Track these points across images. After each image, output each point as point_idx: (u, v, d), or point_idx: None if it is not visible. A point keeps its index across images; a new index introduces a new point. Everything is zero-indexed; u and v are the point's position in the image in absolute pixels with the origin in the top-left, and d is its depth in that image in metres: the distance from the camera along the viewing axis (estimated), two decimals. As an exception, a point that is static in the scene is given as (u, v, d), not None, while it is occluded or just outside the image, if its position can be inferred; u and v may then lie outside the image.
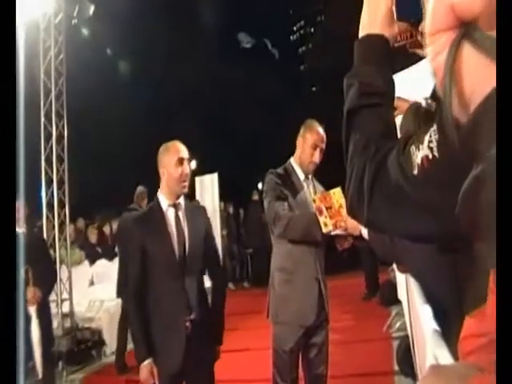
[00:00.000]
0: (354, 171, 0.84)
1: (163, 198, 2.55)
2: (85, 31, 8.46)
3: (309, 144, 2.88)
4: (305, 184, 2.91)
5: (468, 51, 0.47)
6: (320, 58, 25.88)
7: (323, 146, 2.90)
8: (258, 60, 23.07)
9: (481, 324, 0.54)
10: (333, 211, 2.50)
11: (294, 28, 35.80)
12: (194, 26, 17.65)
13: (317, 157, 2.88)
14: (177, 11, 17.14)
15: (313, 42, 31.67)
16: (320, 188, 2.98)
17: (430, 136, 0.74)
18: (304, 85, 26.68)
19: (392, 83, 0.92)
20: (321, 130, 2.92)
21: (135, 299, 2.44)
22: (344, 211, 2.45)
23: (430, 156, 0.73)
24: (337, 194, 2.53)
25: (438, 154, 0.72)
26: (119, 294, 5.04)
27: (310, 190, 2.92)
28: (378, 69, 0.90)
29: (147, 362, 2.39)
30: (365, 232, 2.24)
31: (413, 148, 0.76)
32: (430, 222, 0.76)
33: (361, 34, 0.93)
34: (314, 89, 28.31)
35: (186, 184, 2.55)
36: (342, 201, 2.46)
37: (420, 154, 0.75)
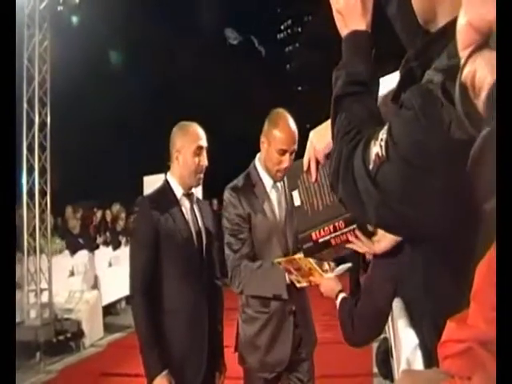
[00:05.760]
0: (335, 152, 0.89)
1: (175, 184, 2.26)
2: (71, 18, 8.31)
3: (275, 147, 2.21)
4: (273, 191, 2.33)
5: (485, 51, 0.54)
6: (306, 57, 26.00)
7: (295, 147, 2.22)
8: (244, 57, 22.99)
9: (461, 330, 0.55)
10: (303, 272, 2.21)
11: (282, 27, 35.82)
12: (182, 18, 17.55)
13: (286, 162, 2.21)
14: (166, 4, 17.03)
15: (300, 42, 31.75)
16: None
17: (383, 134, 0.77)
18: (290, 84, 26.75)
19: (376, 74, 0.98)
20: (291, 124, 2.24)
21: (145, 298, 2.09)
22: (316, 273, 2.16)
23: (380, 154, 0.76)
24: (302, 259, 2.16)
25: (385, 153, 0.75)
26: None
27: (281, 196, 2.35)
28: (363, 60, 0.96)
29: (164, 374, 2.04)
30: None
31: (372, 142, 0.79)
32: (389, 212, 0.78)
33: (343, 32, 1.00)
34: (299, 88, 28.41)
35: (201, 176, 2.28)
36: (311, 265, 2.15)
37: (374, 149, 0.77)
